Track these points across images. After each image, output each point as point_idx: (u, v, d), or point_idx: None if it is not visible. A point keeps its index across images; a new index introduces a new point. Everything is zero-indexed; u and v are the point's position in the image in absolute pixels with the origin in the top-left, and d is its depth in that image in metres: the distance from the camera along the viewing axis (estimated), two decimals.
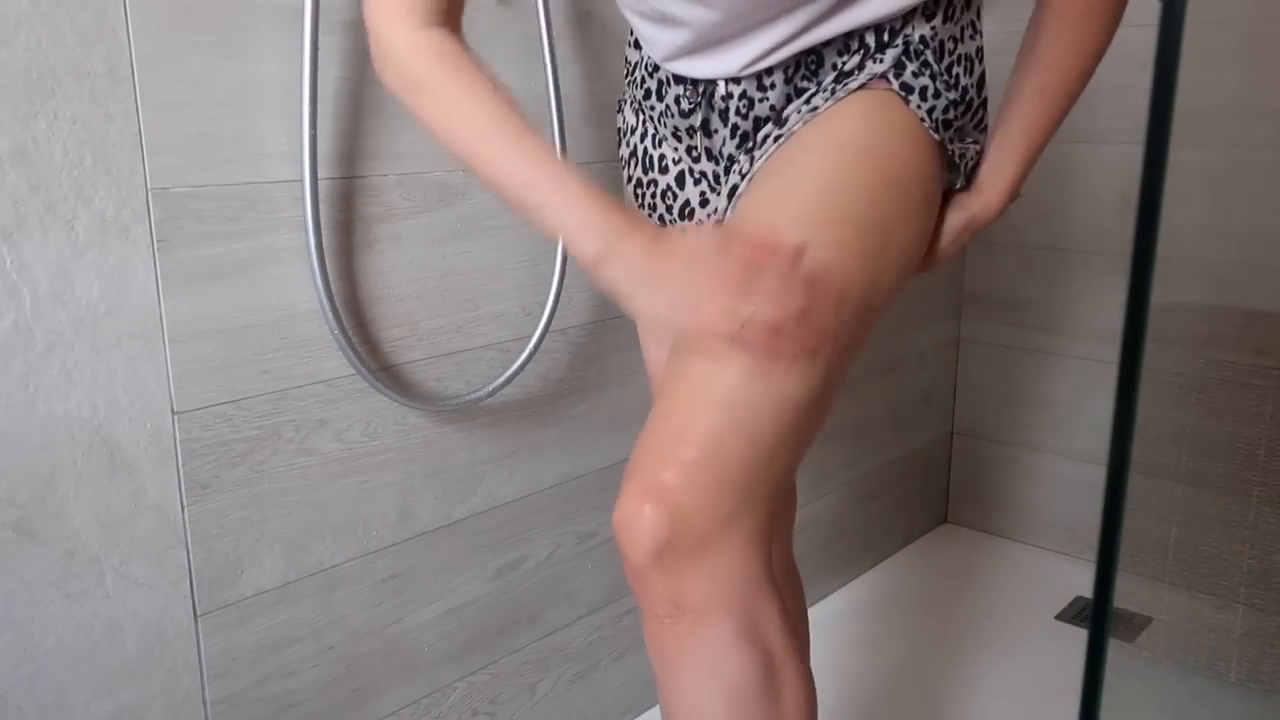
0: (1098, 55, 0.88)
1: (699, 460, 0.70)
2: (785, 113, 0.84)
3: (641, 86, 0.94)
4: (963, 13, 0.84)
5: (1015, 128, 0.88)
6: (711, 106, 0.88)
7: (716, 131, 0.89)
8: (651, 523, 0.70)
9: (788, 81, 0.83)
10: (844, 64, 0.82)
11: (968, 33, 0.85)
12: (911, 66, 0.81)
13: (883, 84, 0.81)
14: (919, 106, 0.81)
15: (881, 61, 0.81)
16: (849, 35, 0.81)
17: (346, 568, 1.08)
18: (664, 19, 0.83)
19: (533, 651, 1.29)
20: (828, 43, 0.81)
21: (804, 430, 0.74)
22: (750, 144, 0.87)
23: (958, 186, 0.92)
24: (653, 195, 0.97)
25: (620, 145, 1.01)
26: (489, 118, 0.75)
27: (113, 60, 0.84)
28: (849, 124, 0.80)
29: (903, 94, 0.80)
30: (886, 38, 0.81)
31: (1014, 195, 0.94)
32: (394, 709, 1.15)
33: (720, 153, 0.90)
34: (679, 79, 0.89)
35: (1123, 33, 0.86)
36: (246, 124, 0.93)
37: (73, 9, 0.81)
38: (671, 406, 0.73)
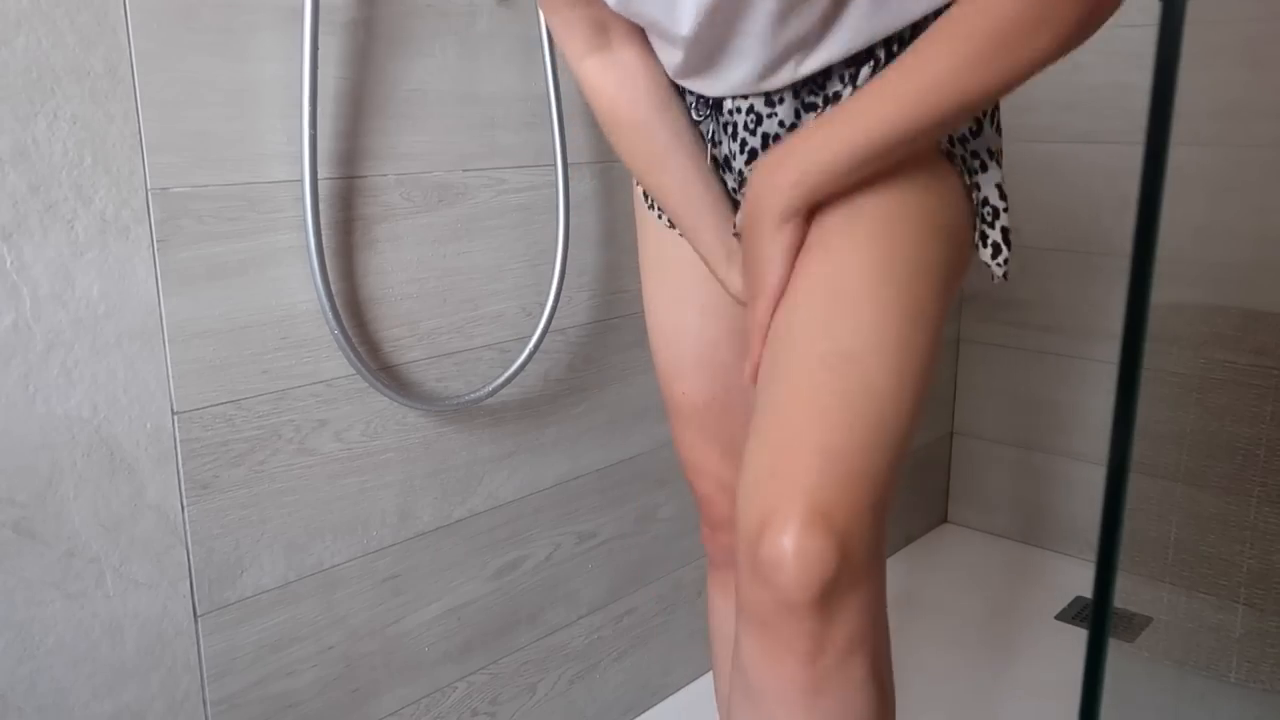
0: (967, 81, 0.66)
1: (857, 477, 0.66)
2: (800, 128, 0.83)
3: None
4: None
5: (853, 106, 0.70)
6: (719, 120, 0.87)
7: (721, 143, 0.88)
8: (821, 556, 0.63)
9: (795, 96, 0.82)
10: (855, 76, 0.79)
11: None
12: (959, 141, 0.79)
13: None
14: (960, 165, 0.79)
15: None
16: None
17: (346, 568, 1.08)
18: (661, 36, 0.84)
19: (533, 651, 1.29)
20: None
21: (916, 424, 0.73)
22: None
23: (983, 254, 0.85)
24: None
25: None
26: (663, 173, 0.86)
27: (112, 60, 0.84)
28: (896, 187, 0.77)
29: (946, 155, 0.78)
30: (896, 49, 0.78)
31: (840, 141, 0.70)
32: (394, 709, 1.15)
33: (728, 164, 0.89)
34: (690, 91, 0.89)
35: (1123, 33, 0.82)
36: (246, 124, 0.93)
37: (73, 9, 0.81)
38: (809, 418, 0.69)
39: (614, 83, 0.86)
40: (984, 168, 0.81)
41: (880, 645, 0.70)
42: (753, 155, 0.86)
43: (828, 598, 0.64)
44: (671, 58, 0.85)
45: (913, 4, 0.76)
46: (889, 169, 0.75)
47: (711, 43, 0.80)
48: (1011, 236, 0.87)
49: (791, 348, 0.72)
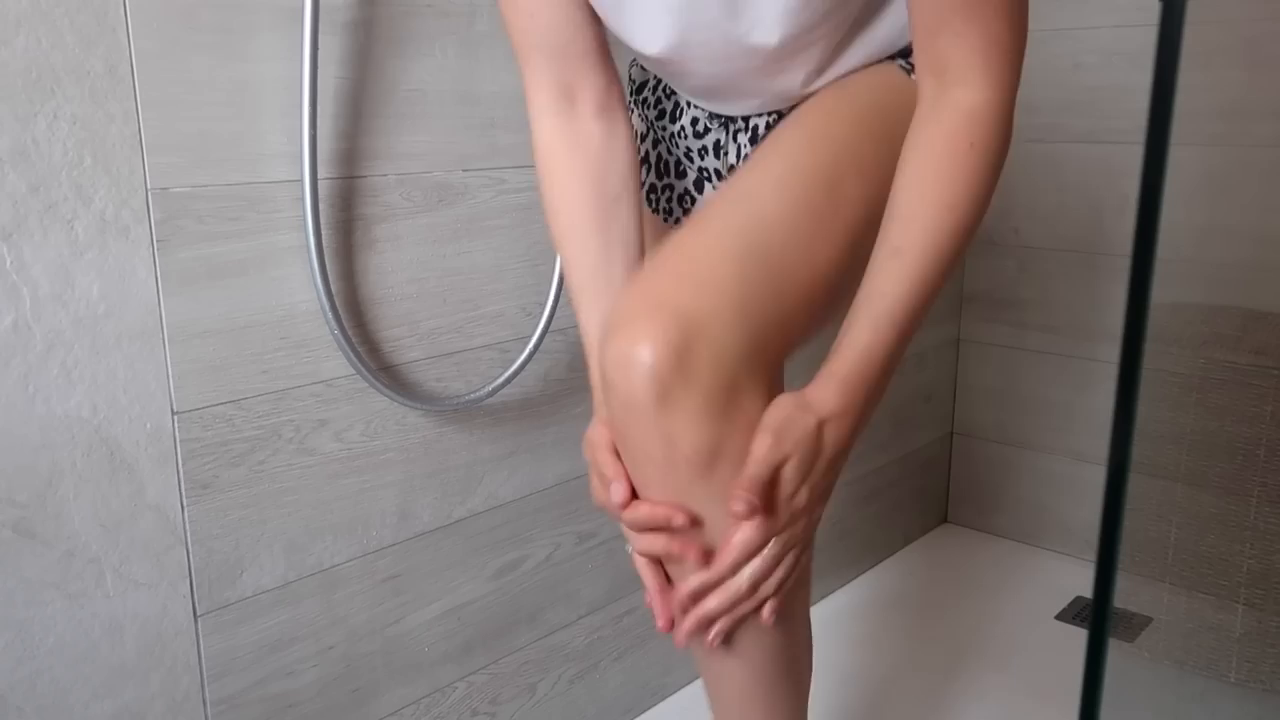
0: (961, 219, 0.69)
1: (720, 284, 0.67)
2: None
3: (655, 107, 0.95)
4: None
5: (865, 303, 0.70)
6: (726, 129, 0.88)
7: (727, 153, 0.89)
8: (660, 341, 0.64)
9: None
10: None
11: None
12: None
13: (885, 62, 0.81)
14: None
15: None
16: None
17: (346, 568, 1.08)
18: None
19: (533, 651, 1.29)
20: None
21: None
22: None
23: None
24: (668, 200, 0.97)
25: None
26: (587, 270, 0.83)
27: (112, 60, 0.84)
28: (865, 81, 0.80)
29: (904, 67, 0.81)
30: (892, 56, 0.82)
31: (857, 399, 0.70)
32: (394, 709, 1.15)
33: (731, 170, 0.90)
34: (695, 104, 0.90)
35: (1123, 32, 0.82)
36: (246, 124, 0.93)
37: (72, 9, 0.81)
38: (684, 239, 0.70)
39: (565, 151, 0.83)
40: None
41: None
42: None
43: (669, 393, 0.64)
44: (682, 88, 0.86)
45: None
46: (853, 82, 0.78)
47: (715, 80, 0.81)
48: None
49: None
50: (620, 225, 0.83)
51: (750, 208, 0.71)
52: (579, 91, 0.82)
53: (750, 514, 0.67)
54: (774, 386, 0.70)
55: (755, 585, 0.70)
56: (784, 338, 0.71)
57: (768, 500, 0.68)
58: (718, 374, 0.65)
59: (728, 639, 0.75)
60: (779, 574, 0.71)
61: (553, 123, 0.83)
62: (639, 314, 0.65)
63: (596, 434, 0.76)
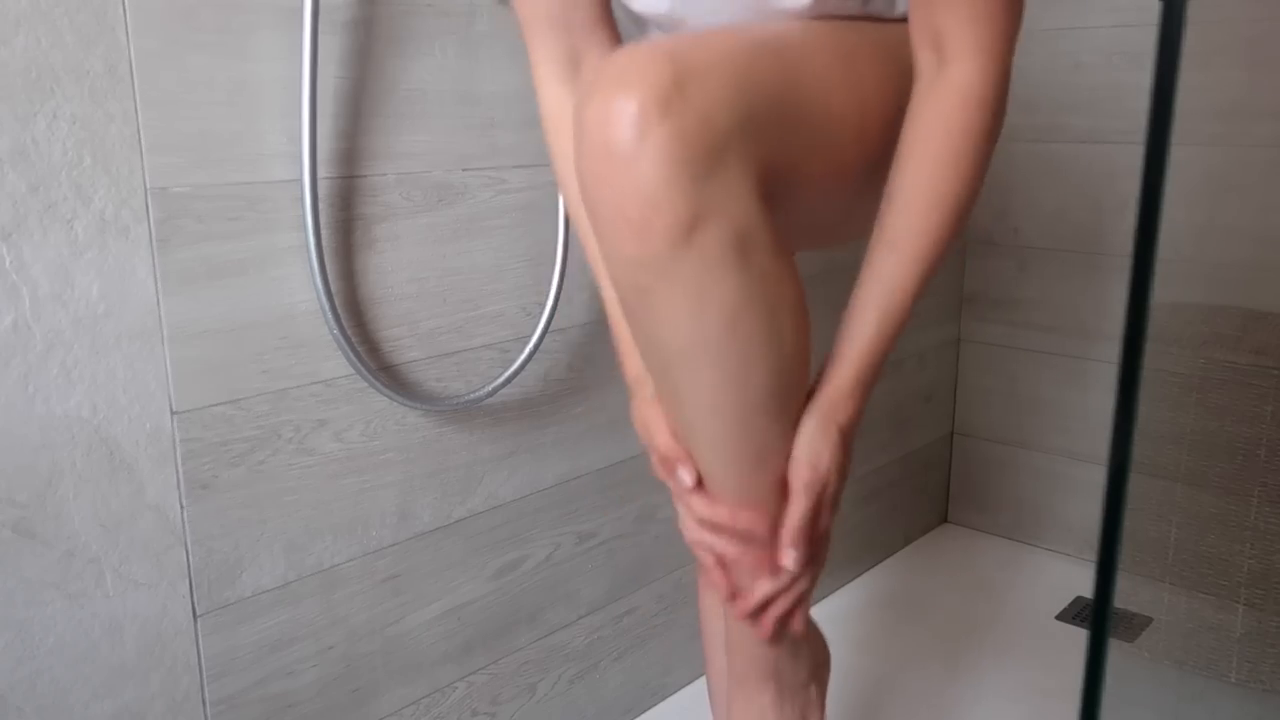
0: (957, 202, 0.71)
1: (720, 60, 0.63)
2: None
3: None
4: None
5: (864, 291, 0.73)
6: None
7: None
8: (648, 83, 0.59)
9: None
10: None
11: None
12: None
13: None
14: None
15: None
16: None
17: (346, 568, 1.08)
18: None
19: (533, 651, 1.29)
20: None
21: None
22: None
23: None
24: None
25: None
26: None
27: (112, 60, 0.84)
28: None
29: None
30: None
31: (865, 399, 0.74)
32: (394, 709, 1.15)
33: None
34: None
35: (1122, 32, 0.82)
36: (246, 124, 0.93)
37: (72, 9, 0.81)
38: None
39: (570, 118, 0.84)
40: None
41: (756, 233, 0.64)
42: None
43: (648, 132, 0.58)
44: None
45: None
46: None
47: None
48: None
49: None
50: None
51: (767, 28, 0.70)
52: (585, 60, 0.84)
53: (801, 566, 0.76)
54: (761, 186, 0.64)
55: (800, 595, 0.80)
56: (781, 145, 0.66)
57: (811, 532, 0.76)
58: (704, 125, 0.60)
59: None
60: (802, 586, 0.80)
61: (558, 91, 0.84)
62: (628, 65, 0.60)
63: (648, 413, 0.76)
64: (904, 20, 0.81)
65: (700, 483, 0.74)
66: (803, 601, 0.80)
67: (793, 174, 0.68)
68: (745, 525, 0.74)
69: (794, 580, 0.78)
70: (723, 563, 0.78)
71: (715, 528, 0.75)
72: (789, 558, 0.75)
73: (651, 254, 0.61)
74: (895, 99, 0.74)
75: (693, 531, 0.77)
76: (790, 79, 0.67)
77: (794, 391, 0.71)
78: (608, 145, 0.60)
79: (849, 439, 0.74)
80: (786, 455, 0.73)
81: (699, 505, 0.75)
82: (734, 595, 0.79)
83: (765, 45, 0.67)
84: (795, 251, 0.78)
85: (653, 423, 0.76)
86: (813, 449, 0.72)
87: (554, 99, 0.85)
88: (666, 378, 0.70)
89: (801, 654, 0.91)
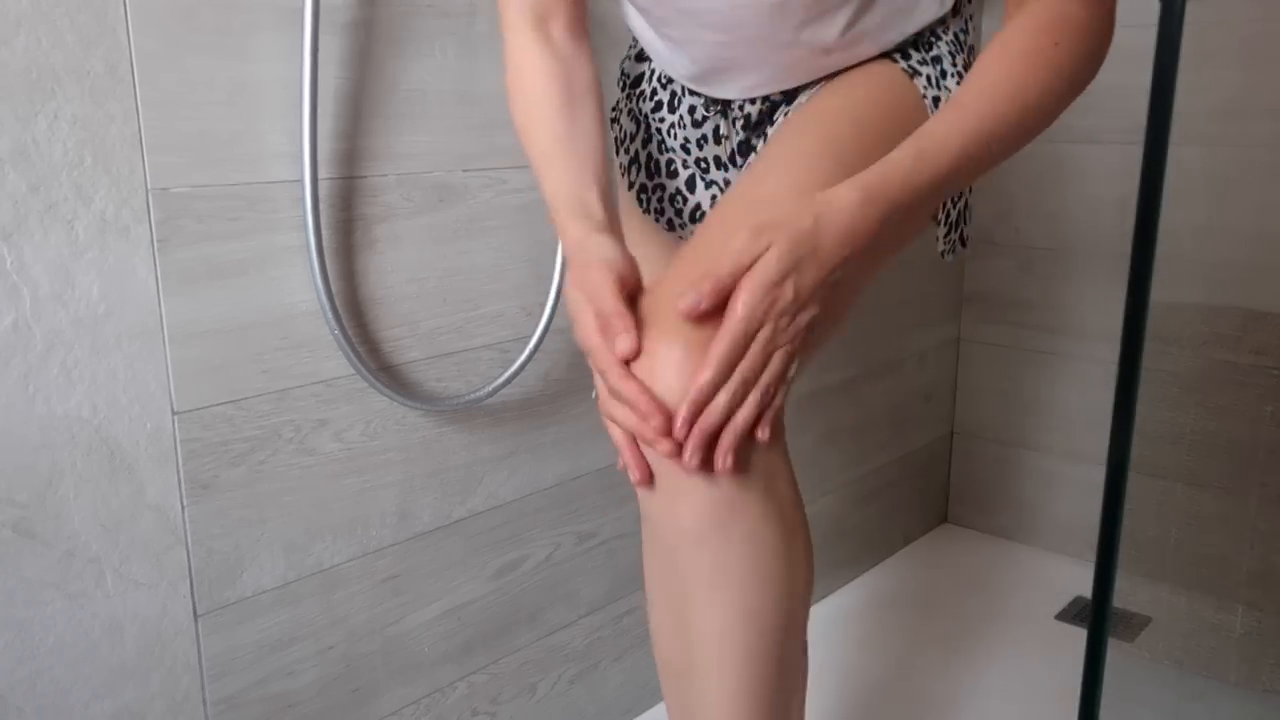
0: (1040, 92, 0.70)
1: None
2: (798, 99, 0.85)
3: (651, 99, 0.95)
4: (967, 3, 0.85)
5: (911, 139, 0.70)
6: (725, 115, 0.88)
7: (727, 139, 0.89)
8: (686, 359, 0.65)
9: (811, 86, 0.84)
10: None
11: (970, 25, 0.86)
12: (918, 56, 0.81)
13: (888, 60, 0.81)
14: (923, 81, 0.81)
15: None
16: None
17: (346, 568, 1.08)
18: (674, 42, 0.85)
19: (533, 651, 1.29)
20: None
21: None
22: (762, 136, 0.88)
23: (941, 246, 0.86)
24: (659, 200, 0.97)
25: (619, 153, 1.01)
26: (551, 139, 0.84)
27: (112, 60, 0.84)
28: (861, 80, 0.80)
29: (907, 70, 0.81)
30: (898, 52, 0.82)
31: (873, 210, 0.67)
32: (394, 709, 1.15)
33: (733, 159, 0.90)
34: (695, 91, 0.90)
35: (1122, 32, 0.82)
36: (246, 124, 0.93)
37: (72, 9, 0.81)
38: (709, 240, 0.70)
39: (535, 55, 0.85)
40: None
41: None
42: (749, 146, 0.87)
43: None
44: (684, 62, 0.86)
45: (920, 15, 0.79)
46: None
47: (726, 62, 0.81)
48: (969, 222, 0.88)
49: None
50: (587, 115, 0.85)
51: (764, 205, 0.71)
52: (552, 17, 0.86)
53: (692, 309, 0.64)
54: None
55: (746, 387, 0.65)
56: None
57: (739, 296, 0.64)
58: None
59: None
60: (765, 378, 0.66)
61: (525, 38, 0.85)
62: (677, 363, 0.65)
63: (595, 275, 0.70)
64: (898, 57, 0.81)
65: (637, 354, 0.68)
66: (767, 408, 0.68)
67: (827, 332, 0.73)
68: (656, 407, 0.66)
69: (731, 378, 0.65)
70: (635, 441, 0.71)
71: (629, 402, 0.68)
72: (684, 297, 0.65)
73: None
74: None
75: (606, 404, 0.70)
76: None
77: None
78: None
79: (836, 229, 0.66)
80: None
81: (617, 378, 0.68)
82: (648, 479, 0.71)
83: None
84: None
85: (601, 285, 0.69)
86: (767, 211, 0.66)
87: (520, 45, 0.86)
88: None
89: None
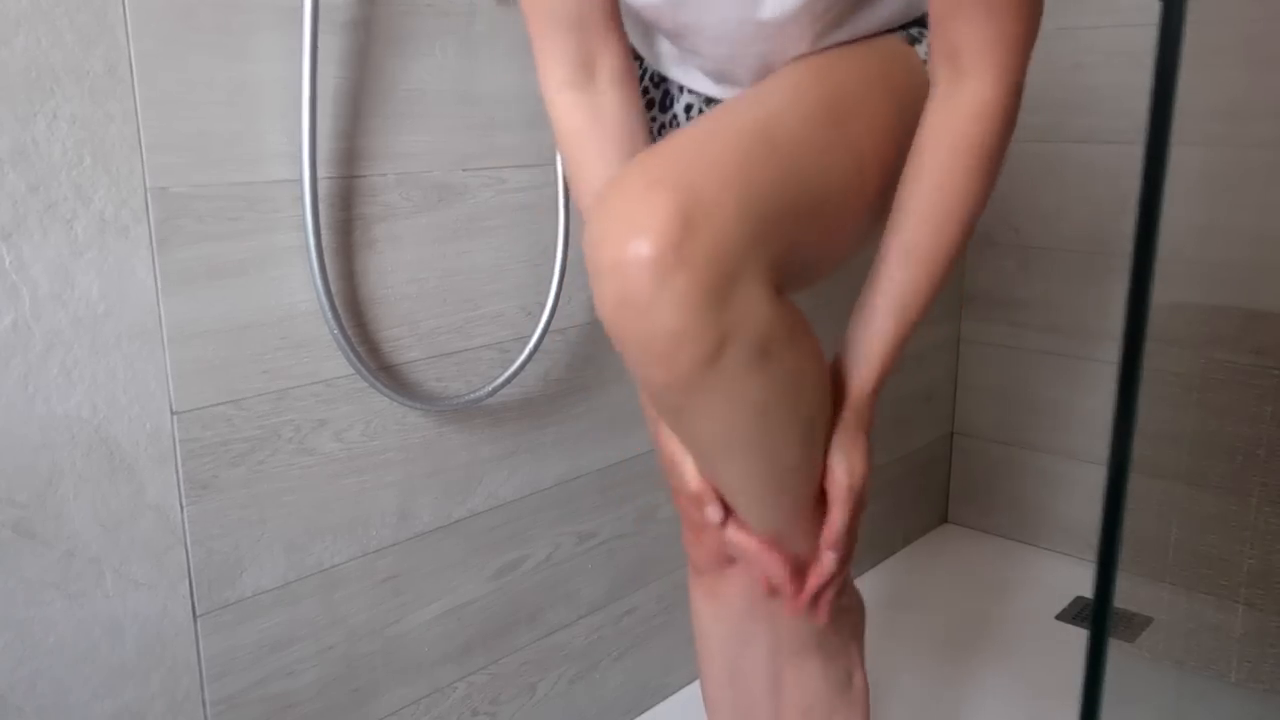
0: (970, 212, 0.74)
1: (721, 170, 0.64)
2: None
3: (644, 97, 0.95)
4: None
5: (881, 299, 0.76)
6: None
7: None
8: (658, 216, 0.60)
9: None
10: None
11: None
12: (917, 30, 0.83)
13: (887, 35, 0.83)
14: (923, 48, 0.82)
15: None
16: None
17: (346, 568, 1.08)
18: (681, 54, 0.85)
19: (533, 651, 1.29)
20: None
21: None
22: None
23: None
24: None
25: None
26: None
27: (112, 60, 0.84)
28: (872, 46, 0.81)
29: (906, 39, 0.82)
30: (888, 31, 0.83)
31: (879, 384, 0.79)
32: (394, 709, 1.15)
33: None
34: (694, 91, 0.90)
35: (1122, 32, 0.82)
36: (246, 124, 0.93)
37: (72, 9, 0.81)
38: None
39: (586, 122, 0.83)
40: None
41: (776, 333, 0.66)
42: None
43: (667, 285, 0.60)
44: (691, 77, 0.87)
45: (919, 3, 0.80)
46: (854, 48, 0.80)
47: (732, 67, 0.82)
48: None
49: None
50: None
51: (758, 108, 0.72)
52: (598, 61, 0.82)
53: (841, 565, 0.80)
54: (774, 286, 0.67)
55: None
56: (788, 240, 0.68)
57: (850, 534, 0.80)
58: (717, 261, 0.62)
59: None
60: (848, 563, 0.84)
61: (572, 97, 0.83)
62: (635, 204, 0.62)
63: (674, 447, 0.80)
64: (889, 31, 0.82)
65: (728, 515, 0.80)
66: (840, 579, 0.84)
67: (802, 251, 0.71)
68: (773, 564, 0.81)
69: (835, 571, 0.82)
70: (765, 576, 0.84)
71: (747, 556, 0.81)
72: (830, 560, 0.80)
73: (681, 380, 0.65)
74: (890, 136, 0.76)
75: (734, 550, 0.83)
76: (789, 171, 0.68)
77: (819, 434, 0.76)
78: (625, 294, 0.61)
79: (869, 437, 0.80)
80: (815, 477, 0.78)
81: (734, 536, 0.81)
82: (774, 592, 0.84)
83: (759, 138, 0.68)
84: (809, 286, 0.79)
85: (680, 459, 0.80)
86: (848, 462, 0.77)
87: (568, 106, 0.83)
88: (703, 460, 0.77)
89: (841, 620, 0.97)
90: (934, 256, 0.74)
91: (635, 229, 0.60)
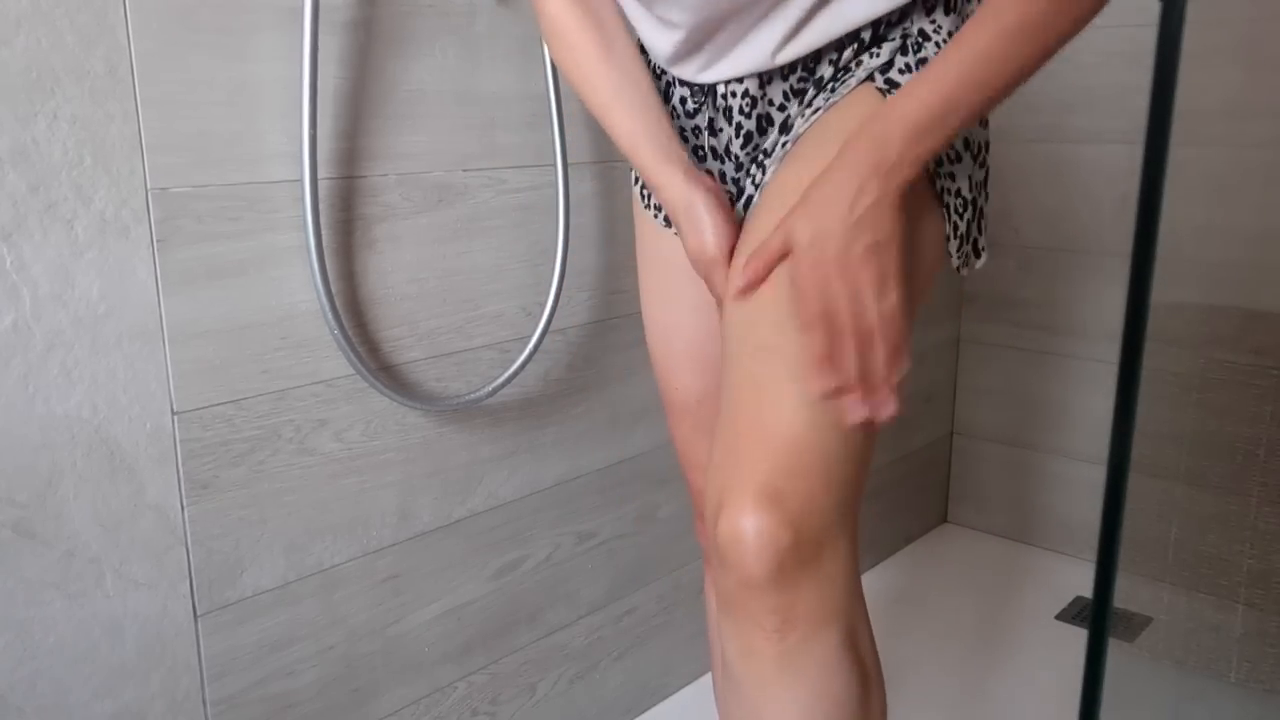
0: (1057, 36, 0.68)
1: (808, 462, 0.69)
2: (789, 114, 0.84)
3: None
4: (966, 4, 0.83)
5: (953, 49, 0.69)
6: (715, 106, 0.88)
7: (722, 130, 0.89)
8: (772, 531, 0.67)
9: (784, 79, 0.83)
10: (840, 60, 0.81)
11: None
12: (903, 61, 0.80)
13: (869, 87, 0.80)
14: None
15: (878, 56, 0.80)
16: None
17: (346, 568, 1.08)
18: (659, 21, 0.84)
19: (533, 651, 1.29)
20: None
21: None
22: (758, 149, 0.87)
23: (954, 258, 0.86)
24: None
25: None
26: (613, 85, 0.86)
27: (112, 60, 0.84)
28: (845, 126, 0.79)
29: (888, 90, 0.79)
30: (883, 30, 0.80)
31: (931, 121, 0.69)
32: (394, 709, 1.15)
33: (728, 151, 0.90)
34: (683, 81, 0.90)
35: (1123, 32, 0.81)
36: (246, 124, 0.93)
37: (72, 9, 0.81)
38: (757, 408, 0.71)
39: (571, 21, 0.87)
40: (957, 158, 0.81)
41: (855, 625, 0.72)
42: (748, 138, 0.87)
43: (785, 571, 0.67)
44: (668, 41, 0.85)
45: None
46: None
47: (715, 23, 0.80)
48: (984, 231, 0.88)
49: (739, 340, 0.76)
50: (631, 62, 0.88)
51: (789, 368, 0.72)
52: None
53: (748, 285, 0.73)
54: (854, 530, 0.73)
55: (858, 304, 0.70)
56: (859, 484, 0.75)
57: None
58: (817, 548, 0.69)
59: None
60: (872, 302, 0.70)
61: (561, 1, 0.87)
62: (744, 501, 0.68)
63: (694, 196, 0.81)
64: (874, 78, 0.80)
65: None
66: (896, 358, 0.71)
67: (867, 472, 0.76)
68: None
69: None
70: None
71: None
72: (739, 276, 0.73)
73: (782, 647, 0.70)
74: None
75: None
76: (858, 443, 0.73)
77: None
78: (748, 578, 0.69)
79: (888, 193, 0.69)
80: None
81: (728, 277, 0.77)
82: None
83: (829, 426, 0.70)
84: None
85: (703, 213, 0.82)
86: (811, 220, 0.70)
87: (559, 6, 0.87)
88: None
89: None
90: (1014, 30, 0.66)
91: (752, 544, 0.67)
